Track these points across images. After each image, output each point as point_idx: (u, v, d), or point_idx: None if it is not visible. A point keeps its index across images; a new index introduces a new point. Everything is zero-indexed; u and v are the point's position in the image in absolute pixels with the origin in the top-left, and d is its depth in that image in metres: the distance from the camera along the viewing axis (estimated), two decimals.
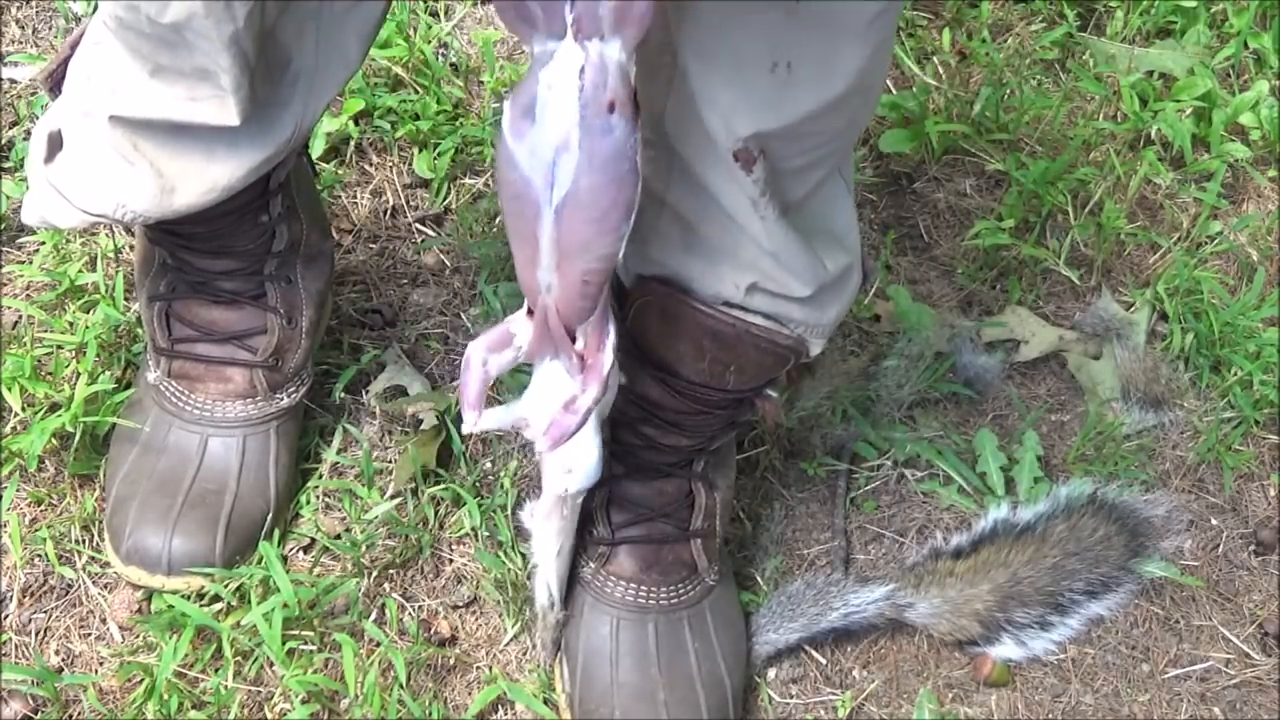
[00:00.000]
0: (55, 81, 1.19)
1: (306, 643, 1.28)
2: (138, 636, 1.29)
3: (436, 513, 1.38)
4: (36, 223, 1.20)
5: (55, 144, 1.17)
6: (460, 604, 1.34)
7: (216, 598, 1.28)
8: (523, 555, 1.32)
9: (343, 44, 1.15)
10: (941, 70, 1.77)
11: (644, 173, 1.06)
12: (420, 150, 1.64)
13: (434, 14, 1.77)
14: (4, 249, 1.52)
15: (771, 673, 1.34)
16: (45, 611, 1.31)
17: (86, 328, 1.41)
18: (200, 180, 1.15)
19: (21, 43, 1.69)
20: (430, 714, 1.26)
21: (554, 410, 1.01)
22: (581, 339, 0.99)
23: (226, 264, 1.29)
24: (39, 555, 1.32)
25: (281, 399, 1.34)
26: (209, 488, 1.30)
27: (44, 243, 1.50)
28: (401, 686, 1.26)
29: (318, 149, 1.60)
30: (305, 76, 1.15)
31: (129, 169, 1.14)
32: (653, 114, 1.03)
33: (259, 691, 1.26)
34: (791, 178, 1.04)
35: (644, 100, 1.02)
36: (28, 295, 1.47)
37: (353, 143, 1.64)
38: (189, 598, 1.29)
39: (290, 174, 1.28)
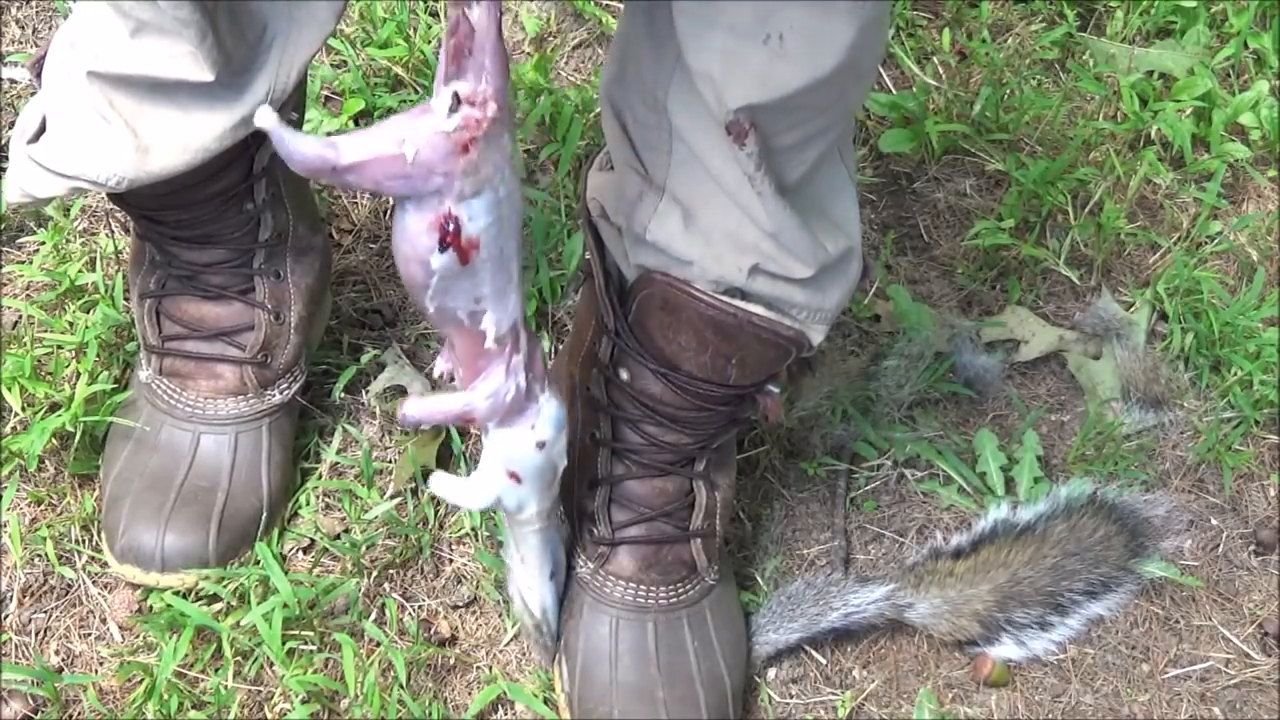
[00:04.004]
0: (41, 70, 1.21)
1: (306, 643, 1.28)
2: (138, 636, 1.29)
3: (436, 513, 1.38)
4: (17, 197, 1.20)
5: (42, 127, 1.19)
6: (460, 604, 1.34)
7: (216, 597, 1.29)
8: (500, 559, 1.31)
9: (314, 7, 1.17)
10: (941, 70, 1.77)
11: (645, 158, 1.08)
12: None
13: (434, 14, 1.77)
14: (4, 249, 1.52)
15: (771, 673, 1.34)
16: (45, 611, 1.31)
17: (86, 327, 1.41)
18: (175, 140, 1.17)
19: (22, 43, 1.69)
20: (430, 714, 1.26)
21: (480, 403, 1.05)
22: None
23: (213, 255, 1.29)
24: (39, 555, 1.32)
25: (273, 396, 1.34)
26: (201, 485, 1.30)
27: (44, 243, 1.50)
28: (401, 686, 1.26)
29: None
30: (280, 38, 1.17)
31: (105, 128, 1.16)
32: (656, 95, 1.05)
33: (259, 691, 1.26)
34: (786, 156, 1.05)
35: (649, 82, 1.05)
36: (28, 295, 1.47)
37: None
38: (186, 596, 1.29)
39: (276, 162, 1.29)
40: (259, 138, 1.25)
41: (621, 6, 1.79)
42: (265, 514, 1.32)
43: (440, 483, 1.11)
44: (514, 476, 1.10)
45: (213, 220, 1.27)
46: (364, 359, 1.45)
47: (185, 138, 1.17)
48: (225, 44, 1.13)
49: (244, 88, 1.17)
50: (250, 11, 1.15)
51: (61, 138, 1.17)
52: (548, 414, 1.08)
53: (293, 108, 1.26)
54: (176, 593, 1.29)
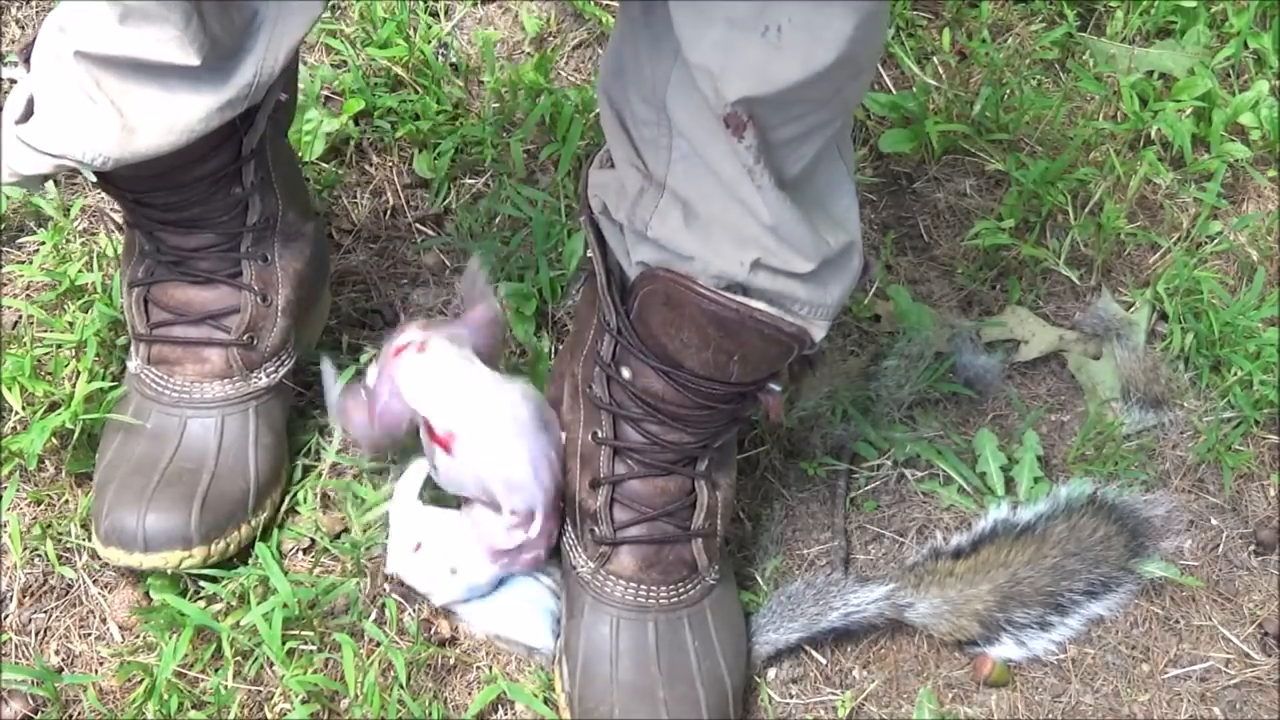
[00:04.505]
0: (29, 55, 1.21)
1: (306, 643, 1.28)
2: (138, 636, 1.29)
3: None
4: (6, 177, 1.21)
5: (30, 108, 1.20)
6: None
7: (216, 598, 1.29)
8: None
9: None
10: (941, 70, 1.77)
11: (645, 155, 1.09)
12: (420, 150, 1.64)
13: (434, 14, 1.77)
14: (4, 249, 1.52)
15: (771, 673, 1.34)
16: (45, 611, 1.31)
17: (86, 326, 1.41)
18: (160, 120, 1.18)
19: (22, 43, 1.69)
20: (430, 714, 1.26)
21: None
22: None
23: (201, 239, 1.30)
24: (39, 555, 1.32)
25: (259, 379, 1.34)
26: (186, 467, 1.30)
27: (44, 243, 1.50)
28: (401, 686, 1.26)
29: (318, 149, 1.60)
30: (268, 23, 1.18)
31: (92, 107, 1.17)
32: (655, 91, 1.06)
33: (259, 691, 1.26)
34: (784, 150, 1.06)
35: (648, 79, 1.06)
36: (28, 295, 1.47)
37: (353, 143, 1.64)
38: (184, 594, 1.29)
39: (267, 146, 1.29)
40: (247, 120, 1.25)
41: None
42: (253, 496, 1.32)
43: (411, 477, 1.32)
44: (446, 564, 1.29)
45: (201, 203, 1.27)
46: (363, 359, 1.45)
47: (171, 118, 1.18)
48: (211, 28, 1.14)
49: (231, 70, 1.18)
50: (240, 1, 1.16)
51: (48, 117, 1.18)
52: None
53: (281, 88, 1.27)
54: (170, 583, 1.28)
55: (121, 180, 1.24)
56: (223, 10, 1.15)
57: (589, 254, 1.21)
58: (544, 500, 1.25)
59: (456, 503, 1.30)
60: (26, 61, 1.22)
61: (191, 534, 1.27)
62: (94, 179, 1.22)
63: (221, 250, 1.31)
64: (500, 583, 1.30)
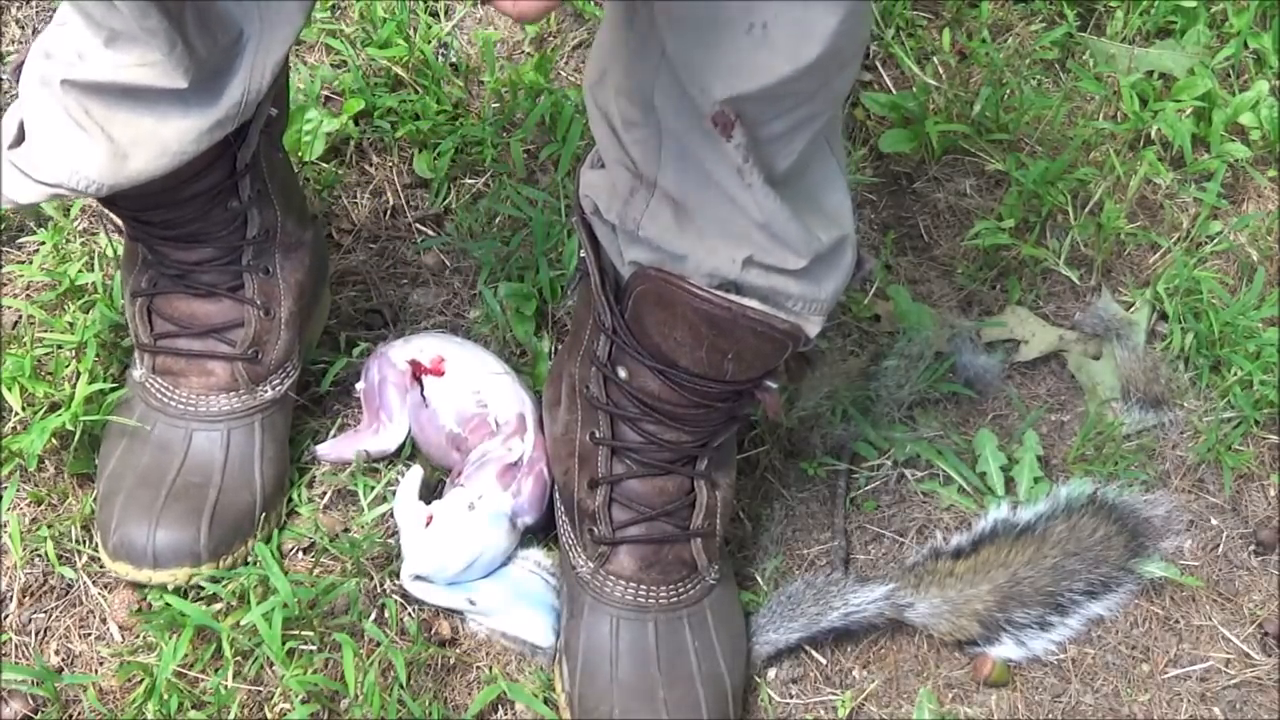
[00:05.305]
0: (19, 76, 1.21)
1: (306, 643, 1.28)
2: (138, 636, 1.29)
3: None
4: (5, 205, 1.21)
5: (23, 132, 1.20)
6: None
7: (216, 597, 1.29)
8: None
9: (285, 8, 1.18)
10: (941, 70, 1.77)
11: (634, 156, 1.09)
12: (420, 150, 1.64)
13: (434, 14, 1.77)
14: (4, 249, 1.52)
15: (771, 673, 1.34)
16: (45, 611, 1.31)
17: (86, 327, 1.41)
18: (151, 144, 1.17)
19: (22, 43, 1.69)
20: (430, 714, 1.26)
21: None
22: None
23: (202, 253, 1.30)
24: (39, 555, 1.32)
25: (265, 392, 1.34)
26: (193, 480, 1.30)
27: (44, 243, 1.50)
28: (401, 686, 1.26)
29: (318, 149, 1.60)
30: (252, 41, 1.18)
31: (82, 135, 1.17)
32: (643, 93, 1.06)
33: (259, 691, 1.26)
34: (773, 146, 1.06)
35: (635, 81, 1.06)
36: (28, 295, 1.48)
37: (353, 143, 1.64)
38: (184, 594, 1.29)
39: (261, 158, 1.29)
40: (240, 136, 1.25)
41: None
42: (260, 509, 1.32)
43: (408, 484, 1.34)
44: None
45: (199, 219, 1.27)
46: (355, 352, 1.45)
47: (162, 142, 1.17)
48: (196, 50, 1.14)
49: (219, 90, 1.18)
50: (220, 17, 1.15)
51: (40, 146, 1.18)
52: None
53: (271, 102, 1.26)
54: (174, 590, 1.28)
55: (119, 199, 1.24)
56: (204, 30, 1.14)
57: (583, 254, 1.21)
58: (530, 410, 1.34)
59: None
60: (18, 82, 1.22)
61: (201, 550, 1.28)
62: None
63: (223, 264, 1.31)
64: (507, 575, 1.30)
